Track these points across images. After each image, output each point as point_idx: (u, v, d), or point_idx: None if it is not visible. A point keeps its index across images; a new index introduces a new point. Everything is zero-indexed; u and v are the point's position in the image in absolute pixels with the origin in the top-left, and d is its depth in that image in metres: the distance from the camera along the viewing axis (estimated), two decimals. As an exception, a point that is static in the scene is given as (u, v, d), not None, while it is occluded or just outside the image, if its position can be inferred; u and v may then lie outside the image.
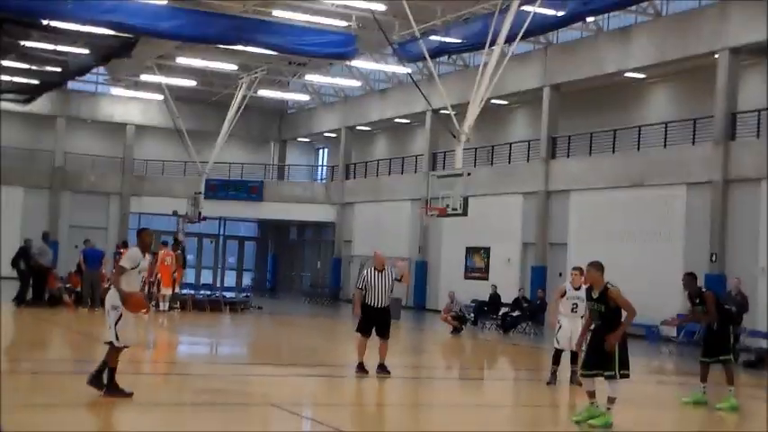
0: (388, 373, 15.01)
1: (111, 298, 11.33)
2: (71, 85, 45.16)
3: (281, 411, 11.62)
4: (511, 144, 35.81)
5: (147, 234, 11.94)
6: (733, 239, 25.75)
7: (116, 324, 11.18)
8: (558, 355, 15.12)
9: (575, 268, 15.16)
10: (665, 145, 28.75)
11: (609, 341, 11.16)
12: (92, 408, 10.84)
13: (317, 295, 42.30)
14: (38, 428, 9.40)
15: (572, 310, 14.85)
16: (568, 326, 14.86)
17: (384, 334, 15.15)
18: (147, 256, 11.75)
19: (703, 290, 14.24)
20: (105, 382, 11.20)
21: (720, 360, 13.92)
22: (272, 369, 16.49)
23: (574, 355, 14.99)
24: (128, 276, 11.33)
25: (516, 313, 28.09)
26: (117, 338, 11.19)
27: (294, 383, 14.71)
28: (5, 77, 36.43)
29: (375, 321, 15.12)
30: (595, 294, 11.45)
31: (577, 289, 14.77)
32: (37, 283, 26.42)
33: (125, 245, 28.33)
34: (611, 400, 11.32)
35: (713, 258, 25.75)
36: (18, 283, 26.74)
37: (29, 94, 41.34)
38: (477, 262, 35.89)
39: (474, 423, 11.90)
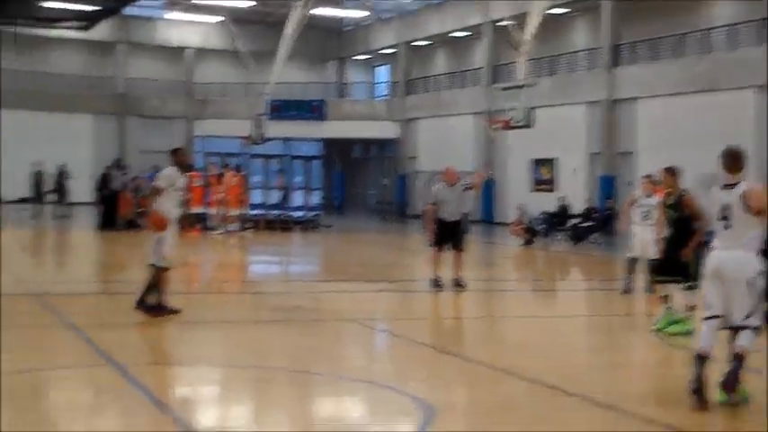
0: (463, 286, 15.12)
1: None
2: (128, 10, 45.22)
3: (359, 326, 11.80)
4: (572, 53, 35.20)
5: (182, 153, 11.96)
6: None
7: (160, 244, 11.26)
8: (632, 263, 15.08)
9: (645, 176, 15.03)
10: (733, 48, 28.06)
11: (685, 251, 10.96)
12: (165, 326, 11.12)
13: (385, 212, 42.46)
14: (131, 345, 9.69)
15: (644, 218, 14.70)
16: (641, 234, 14.72)
17: (459, 246, 15.23)
18: (185, 175, 11.69)
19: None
20: (155, 302, 11.32)
21: None
22: (347, 285, 16.68)
23: (649, 264, 14.93)
24: (166, 195, 11.34)
25: (587, 224, 27.92)
26: (163, 258, 11.28)
27: (369, 299, 14.86)
28: (63, 5, 36.59)
29: (449, 235, 15.20)
30: (670, 200, 11.29)
31: (648, 197, 14.63)
32: (108, 207, 27.13)
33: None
34: (690, 308, 11.13)
35: (785, 162, 25.24)
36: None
37: (87, 20, 41.52)
38: (543, 174, 35.66)
39: (551, 333, 11.97)
